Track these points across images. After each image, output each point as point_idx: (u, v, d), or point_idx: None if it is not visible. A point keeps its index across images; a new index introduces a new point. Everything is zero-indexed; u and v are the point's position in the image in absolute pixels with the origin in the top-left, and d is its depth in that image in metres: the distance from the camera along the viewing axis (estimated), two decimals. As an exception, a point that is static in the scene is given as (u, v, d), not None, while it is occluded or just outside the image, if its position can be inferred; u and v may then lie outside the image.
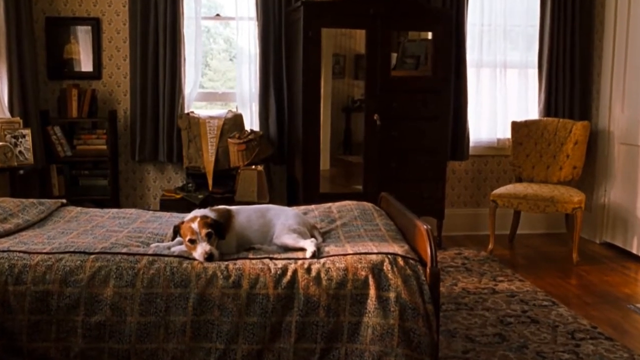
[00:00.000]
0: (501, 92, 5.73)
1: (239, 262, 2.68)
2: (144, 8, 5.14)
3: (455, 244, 5.42)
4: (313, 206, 3.76)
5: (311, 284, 2.59)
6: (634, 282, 4.57)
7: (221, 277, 2.60)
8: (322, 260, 2.69)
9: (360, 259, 2.67)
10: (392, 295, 2.59)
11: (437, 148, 5.14)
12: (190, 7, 5.26)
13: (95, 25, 5.26)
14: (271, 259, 2.72)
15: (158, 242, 3.00)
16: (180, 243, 2.84)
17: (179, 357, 2.54)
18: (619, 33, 5.37)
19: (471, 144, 5.67)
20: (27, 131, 4.78)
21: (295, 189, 5.16)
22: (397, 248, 2.79)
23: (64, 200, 3.76)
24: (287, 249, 2.86)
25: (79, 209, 3.64)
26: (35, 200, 3.53)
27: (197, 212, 2.86)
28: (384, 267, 2.64)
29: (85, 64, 5.31)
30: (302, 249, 2.80)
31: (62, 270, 2.60)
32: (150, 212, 3.66)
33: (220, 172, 5.10)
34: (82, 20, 5.26)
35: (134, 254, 2.69)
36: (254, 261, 2.69)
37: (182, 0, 5.16)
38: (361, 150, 5.09)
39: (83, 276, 2.59)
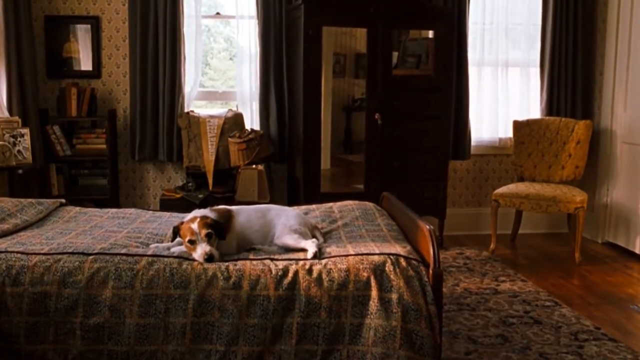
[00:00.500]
0: (503, 91, 5.70)
1: (240, 263, 2.65)
2: (144, 7, 5.11)
3: (457, 244, 5.39)
4: (314, 206, 3.73)
5: (312, 285, 2.56)
6: (637, 283, 4.54)
7: (221, 278, 2.57)
8: (323, 261, 2.66)
9: (362, 260, 2.64)
10: (394, 296, 2.56)
11: (439, 147, 5.11)
12: (190, 5, 5.23)
13: (95, 23, 5.23)
14: (272, 259, 2.69)
15: (157, 242, 2.97)
16: (180, 244, 2.82)
17: (178, 359, 2.51)
18: (622, 31, 5.33)
19: (473, 143, 5.64)
20: (26, 130, 4.76)
21: (296, 189, 5.14)
22: (399, 249, 2.76)
23: (63, 200, 3.73)
24: (288, 249, 2.83)
25: (77, 208, 3.62)
26: (33, 200, 3.51)
27: (197, 213, 2.84)
28: (386, 268, 2.61)
29: (85, 63, 5.28)
30: (303, 250, 2.78)
31: (61, 271, 2.57)
32: (150, 212, 3.63)
33: (221, 172, 5.08)
34: (82, 19, 5.23)
35: (133, 255, 2.67)
36: (254, 262, 2.66)
37: (182, -2, 5.15)
38: (362, 149, 5.07)
39: (81, 277, 2.56)
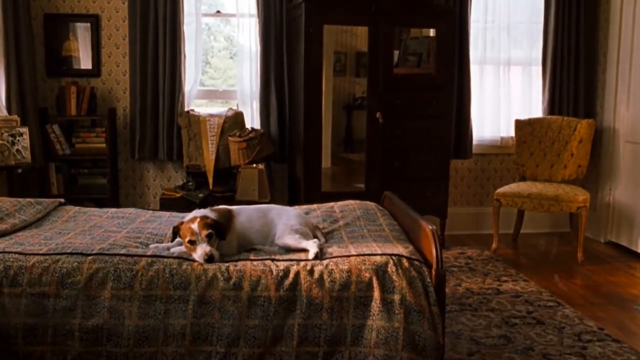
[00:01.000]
0: (505, 90, 5.67)
1: (240, 264, 2.62)
2: (144, 5, 5.08)
3: (458, 244, 5.36)
4: (315, 206, 3.71)
5: (314, 286, 2.54)
6: (640, 283, 4.52)
7: (222, 279, 2.54)
8: (324, 262, 2.63)
9: (364, 261, 2.62)
10: (396, 297, 2.53)
11: (440, 146, 5.09)
12: (190, 3, 5.21)
13: (95, 22, 5.20)
14: (273, 260, 2.66)
15: (157, 242, 2.94)
16: (180, 244, 2.79)
17: (178, 361, 2.49)
18: (625, 30, 5.30)
19: (474, 142, 5.61)
20: (25, 129, 4.73)
21: (296, 188, 5.11)
22: (401, 249, 2.74)
23: (62, 200, 3.70)
24: (289, 250, 2.81)
25: (76, 208, 3.59)
26: (32, 200, 3.48)
27: (197, 213, 2.81)
28: (389, 269, 2.58)
29: (84, 61, 5.25)
30: (305, 250, 2.75)
31: (59, 272, 2.54)
32: (150, 211, 3.61)
33: (221, 171, 5.05)
34: (81, 17, 5.20)
35: (132, 255, 2.64)
36: (255, 262, 2.63)
37: (182, -4, 5.12)
38: (362, 148, 5.04)
39: (80, 278, 2.53)
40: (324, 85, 4.87)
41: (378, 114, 4.85)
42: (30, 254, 2.62)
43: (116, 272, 2.55)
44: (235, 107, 5.33)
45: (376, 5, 4.81)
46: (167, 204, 4.74)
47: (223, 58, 6.03)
